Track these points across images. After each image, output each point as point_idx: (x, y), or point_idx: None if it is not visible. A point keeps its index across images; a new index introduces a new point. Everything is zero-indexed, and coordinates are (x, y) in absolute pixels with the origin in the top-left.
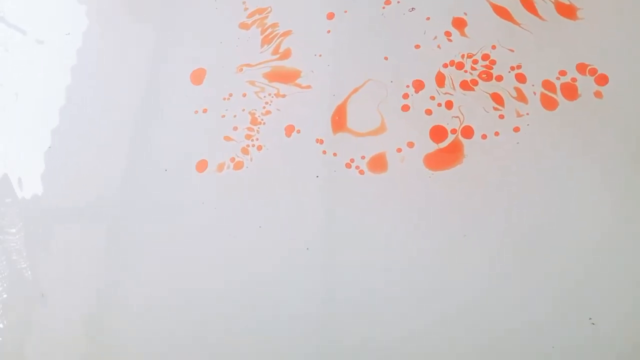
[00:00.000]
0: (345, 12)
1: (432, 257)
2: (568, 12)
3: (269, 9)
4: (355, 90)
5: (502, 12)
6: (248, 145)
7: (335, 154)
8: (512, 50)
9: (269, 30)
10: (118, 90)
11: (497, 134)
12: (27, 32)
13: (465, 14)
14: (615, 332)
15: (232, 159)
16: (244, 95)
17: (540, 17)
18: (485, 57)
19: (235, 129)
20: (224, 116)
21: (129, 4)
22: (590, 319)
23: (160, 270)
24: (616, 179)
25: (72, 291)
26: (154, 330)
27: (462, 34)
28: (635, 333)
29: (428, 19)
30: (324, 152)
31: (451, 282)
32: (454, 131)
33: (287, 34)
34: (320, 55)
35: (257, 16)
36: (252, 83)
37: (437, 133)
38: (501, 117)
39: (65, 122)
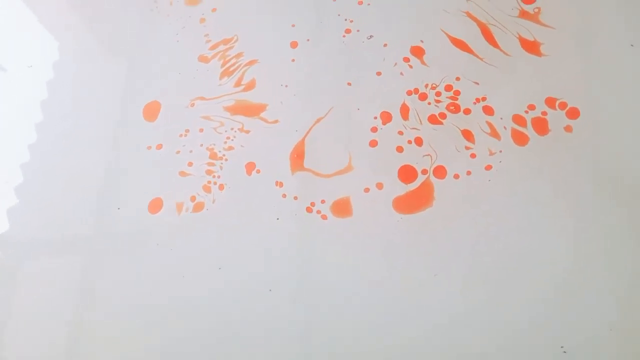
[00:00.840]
0: (308, 40)
1: (402, 296)
2: (532, 47)
3: (235, 38)
4: (319, 120)
5: (460, 45)
6: (210, 182)
7: (295, 198)
8: (477, 83)
9: (232, 61)
10: (87, 123)
11: (469, 173)
12: None
13: (422, 41)
14: None
15: (193, 198)
16: (201, 130)
17: (504, 52)
18: (449, 88)
19: (190, 164)
20: (179, 152)
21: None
22: (562, 347)
23: (122, 309)
24: (586, 214)
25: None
26: None
27: (422, 62)
28: None
29: (385, 45)
30: (284, 196)
31: (421, 323)
32: (424, 172)
33: (252, 63)
34: (286, 86)
35: (221, 47)
36: (207, 118)
37: (406, 173)
38: (473, 155)
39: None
